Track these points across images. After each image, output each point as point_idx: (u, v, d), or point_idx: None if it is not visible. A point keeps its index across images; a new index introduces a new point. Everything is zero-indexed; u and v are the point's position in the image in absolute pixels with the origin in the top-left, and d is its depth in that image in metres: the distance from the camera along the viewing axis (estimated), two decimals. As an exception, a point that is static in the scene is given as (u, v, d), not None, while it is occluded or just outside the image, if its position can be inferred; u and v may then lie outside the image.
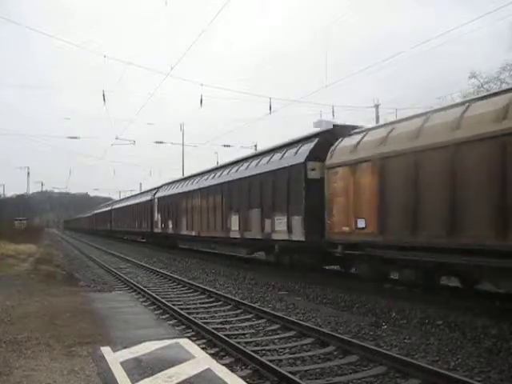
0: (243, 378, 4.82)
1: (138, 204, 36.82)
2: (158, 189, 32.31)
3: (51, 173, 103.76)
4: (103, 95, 21.43)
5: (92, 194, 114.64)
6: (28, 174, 61.17)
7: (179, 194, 25.03)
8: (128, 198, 46.98)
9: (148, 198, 33.37)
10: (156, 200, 30.40)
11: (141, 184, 66.29)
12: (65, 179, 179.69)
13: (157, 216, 29.76)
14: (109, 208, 53.95)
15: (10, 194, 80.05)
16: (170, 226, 26.47)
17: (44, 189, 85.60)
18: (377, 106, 26.94)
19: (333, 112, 24.30)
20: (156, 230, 30.03)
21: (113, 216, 49.72)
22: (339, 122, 14.69)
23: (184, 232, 23.83)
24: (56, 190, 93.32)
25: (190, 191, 23.38)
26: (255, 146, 36.99)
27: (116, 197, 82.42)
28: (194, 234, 22.16)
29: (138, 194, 41.73)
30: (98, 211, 64.38)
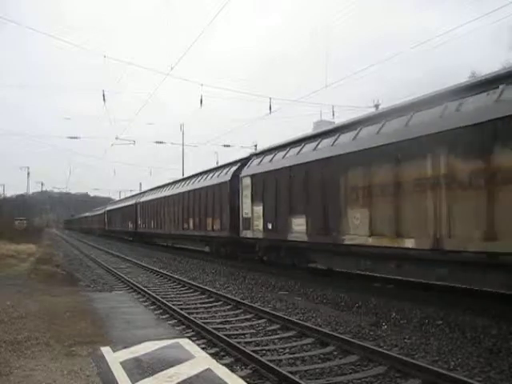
0: (243, 378, 4.82)
1: (194, 192, 22.65)
2: (247, 160, 17.74)
3: (51, 173, 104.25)
4: (103, 95, 21.52)
5: (92, 193, 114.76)
6: (28, 174, 61.22)
7: (357, 153, 10.63)
8: (168, 186, 30.01)
9: (223, 178, 19.22)
10: (248, 180, 16.33)
11: (141, 184, 65.91)
12: (65, 179, 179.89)
13: (250, 207, 15.97)
14: (132, 202, 38.90)
15: (9, 194, 79.98)
16: (298, 226, 12.92)
17: (44, 189, 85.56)
18: (377, 106, 26.94)
19: (333, 112, 24.37)
20: (245, 235, 16.42)
21: (140, 212, 35.31)
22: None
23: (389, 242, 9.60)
24: (56, 190, 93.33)
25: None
26: (255, 146, 37.00)
27: (116, 197, 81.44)
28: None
29: (191, 177, 25.55)
30: (113, 207, 50.42)
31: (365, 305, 9.22)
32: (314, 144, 12.92)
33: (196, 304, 10.06)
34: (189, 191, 23.81)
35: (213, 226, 19.97)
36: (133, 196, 44.53)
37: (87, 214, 76.71)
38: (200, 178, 23.39)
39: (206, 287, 11.78)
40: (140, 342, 5.82)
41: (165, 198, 28.56)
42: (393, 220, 9.49)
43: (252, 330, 7.53)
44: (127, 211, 40.08)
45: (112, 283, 13.38)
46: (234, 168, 18.68)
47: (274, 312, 8.48)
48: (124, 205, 43.19)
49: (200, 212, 21.69)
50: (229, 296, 10.38)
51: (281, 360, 5.80)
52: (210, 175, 21.76)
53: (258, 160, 16.44)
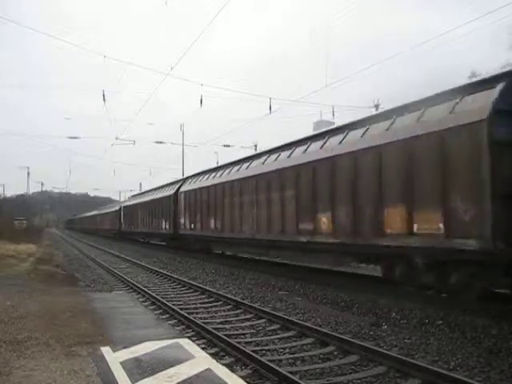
0: (243, 378, 4.82)
1: (335, 162, 11.41)
2: None
3: (51, 173, 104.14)
4: (103, 95, 21.55)
5: (92, 194, 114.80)
6: (28, 174, 61.30)
7: None
8: (247, 161, 17.78)
9: (463, 118, 8.03)
10: None
11: (141, 184, 65.57)
12: (65, 179, 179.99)
13: None
14: (169, 191, 27.21)
15: (9, 194, 79.91)
16: None
17: (44, 189, 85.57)
18: (377, 106, 26.94)
19: (333, 112, 24.39)
20: None
21: (184, 206, 23.87)
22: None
23: None
24: (56, 190, 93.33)
25: None
26: (255, 146, 37.02)
27: (116, 197, 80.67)
28: None
29: (312, 139, 13.50)
30: (134, 202, 38.61)
31: (365, 305, 9.22)
32: None
33: (196, 304, 10.06)
34: (315, 162, 12.30)
35: (412, 227, 9.06)
36: (170, 184, 30.08)
37: (95, 213, 65.44)
38: (340, 135, 11.86)
39: (206, 287, 11.78)
40: (140, 342, 5.82)
41: (245, 179, 16.52)
42: None
43: (252, 330, 7.53)
44: (159, 206, 28.58)
45: (112, 283, 13.38)
46: (494, 93, 7.88)
47: (274, 312, 8.48)
48: (153, 197, 31.01)
49: (356, 199, 10.68)
50: (229, 296, 10.38)
51: (281, 360, 5.80)
52: (380, 123, 10.52)
53: None
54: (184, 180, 26.71)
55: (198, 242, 22.88)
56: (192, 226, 22.75)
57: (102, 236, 53.95)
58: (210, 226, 20.20)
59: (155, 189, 34.51)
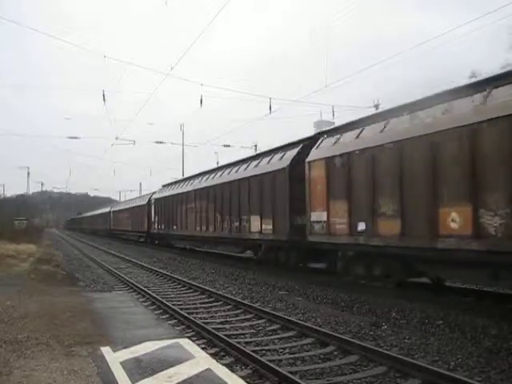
0: (243, 378, 4.82)
1: None
2: None
3: (51, 173, 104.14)
4: (103, 95, 21.54)
5: (92, 194, 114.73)
6: (28, 174, 61.18)
7: None
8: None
9: None
10: None
11: (141, 184, 65.00)
12: (65, 179, 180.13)
13: None
14: (275, 165, 14.58)
15: (10, 194, 79.78)
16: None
17: (44, 189, 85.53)
18: (377, 106, 26.93)
19: (333, 112, 24.37)
20: None
21: (328, 188, 11.51)
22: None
23: None
24: (56, 190, 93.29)
25: None
26: (255, 146, 37.02)
27: (116, 197, 79.88)
28: None
29: None
30: (177, 191, 25.85)
31: (365, 305, 9.22)
32: None
33: (196, 304, 10.05)
34: None
35: None
36: (257, 156, 17.86)
37: (106, 210, 51.35)
38: None
39: (205, 287, 11.78)
40: (140, 342, 5.82)
41: None
42: None
43: (252, 330, 7.53)
44: (245, 193, 16.67)
45: (112, 283, 13.38)
46: None
47: (274, 312, 8.48)
48: (225, 180, 18.68)
49: None
50: (229, 296, 10.38)
51: (281, 360, 5.80)
52: None
53: None
54: (311, 140, 13.87)
55: (387, 263, 10.56)
56: (361, 227, 10.58)
57: (113, 238, 45.19)
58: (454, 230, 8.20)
59: (219, 168, 21.67)
